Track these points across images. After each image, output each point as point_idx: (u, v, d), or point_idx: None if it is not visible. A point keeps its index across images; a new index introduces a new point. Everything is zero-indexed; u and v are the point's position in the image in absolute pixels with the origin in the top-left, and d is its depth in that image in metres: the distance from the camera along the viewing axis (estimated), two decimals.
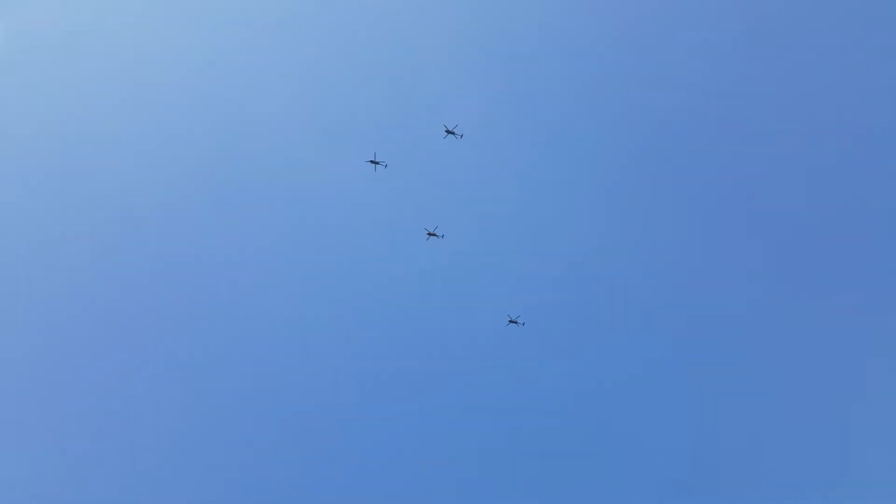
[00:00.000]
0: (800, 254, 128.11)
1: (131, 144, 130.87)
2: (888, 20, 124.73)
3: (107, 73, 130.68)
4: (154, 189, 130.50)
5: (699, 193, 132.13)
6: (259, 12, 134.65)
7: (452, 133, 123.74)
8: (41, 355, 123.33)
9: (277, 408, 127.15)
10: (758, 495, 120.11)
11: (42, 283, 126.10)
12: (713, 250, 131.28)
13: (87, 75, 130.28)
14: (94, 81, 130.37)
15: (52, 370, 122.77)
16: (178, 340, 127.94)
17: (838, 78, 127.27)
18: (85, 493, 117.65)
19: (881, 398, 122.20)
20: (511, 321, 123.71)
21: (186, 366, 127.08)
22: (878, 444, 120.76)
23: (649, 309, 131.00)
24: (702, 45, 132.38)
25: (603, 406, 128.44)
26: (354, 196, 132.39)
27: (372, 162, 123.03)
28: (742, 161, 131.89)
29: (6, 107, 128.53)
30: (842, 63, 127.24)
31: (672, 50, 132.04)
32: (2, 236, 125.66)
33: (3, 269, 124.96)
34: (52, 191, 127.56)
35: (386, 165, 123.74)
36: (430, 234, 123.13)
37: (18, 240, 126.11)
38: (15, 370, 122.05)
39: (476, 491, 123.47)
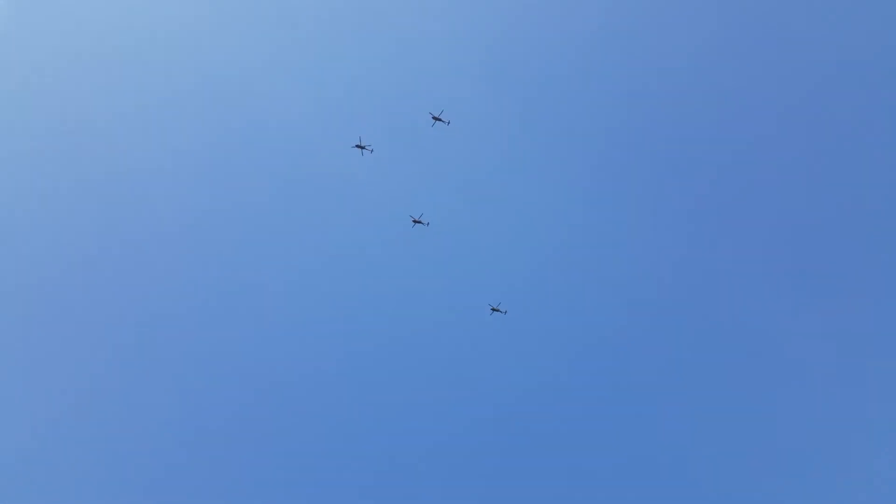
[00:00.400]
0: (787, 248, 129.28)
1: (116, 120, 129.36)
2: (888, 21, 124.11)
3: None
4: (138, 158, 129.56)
5: (683, 187, 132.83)
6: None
7: (440, 119, 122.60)
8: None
9: (255, 393, 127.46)
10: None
11: None
12: (701, 244, 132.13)
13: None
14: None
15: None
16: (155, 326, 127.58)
17: (835, 79, 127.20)
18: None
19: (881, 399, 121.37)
20: (494, 309, 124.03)
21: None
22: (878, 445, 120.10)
23: (634, 300, 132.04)
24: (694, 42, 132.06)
25: (584, 395, 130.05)
26: (339, 180, 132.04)
27: (358, 146, 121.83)
28: (728, 152, 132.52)
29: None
30: (840, 63, 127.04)
31: (661, 44, 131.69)
32: None
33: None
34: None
35: (372, 150, 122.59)
36: (415, 221, 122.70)
37: None
38: None
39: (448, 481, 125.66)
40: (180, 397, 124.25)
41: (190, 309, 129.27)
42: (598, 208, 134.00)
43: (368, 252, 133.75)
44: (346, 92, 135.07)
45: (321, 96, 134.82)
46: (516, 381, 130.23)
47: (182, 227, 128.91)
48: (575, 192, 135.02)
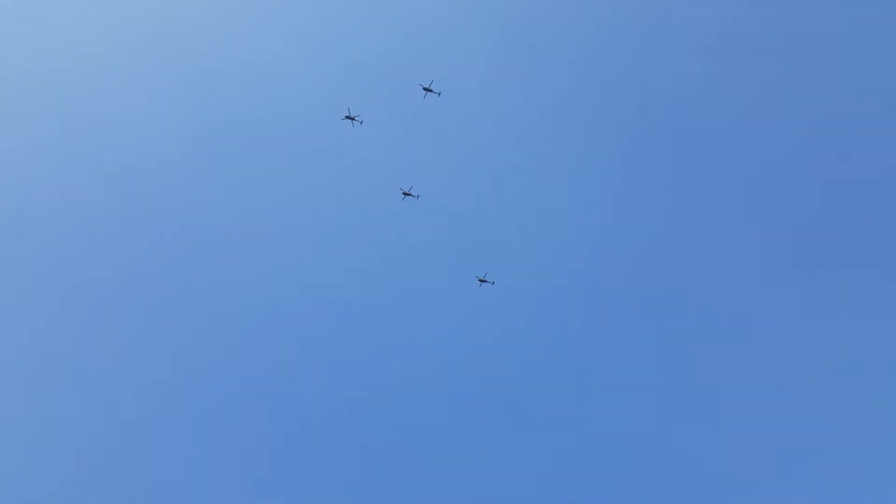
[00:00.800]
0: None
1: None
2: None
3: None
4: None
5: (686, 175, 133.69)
6: None
7: (430, 91, 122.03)
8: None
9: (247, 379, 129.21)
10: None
11: None
12: (701, 235, 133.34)
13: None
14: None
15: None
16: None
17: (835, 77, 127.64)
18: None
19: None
20: (481, 280, 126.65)
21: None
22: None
23: (632, 287, 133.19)
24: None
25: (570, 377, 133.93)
26: (329, 152, 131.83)
27: (347, 118, 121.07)
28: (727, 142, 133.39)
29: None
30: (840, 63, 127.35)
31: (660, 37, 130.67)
32: None
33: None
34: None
35: (361, 122, 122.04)
36: (405, 194, 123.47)
37: None
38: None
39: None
40: (167, 382, 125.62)
41: (175, 293, 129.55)
42: (594, 185, 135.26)
43: (357, 227, 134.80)
44: (335, 63, 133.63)
45: (309, 67, 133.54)
46: (510, 365, 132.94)
47: (164, 208, 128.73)
48: (573, 165, 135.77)
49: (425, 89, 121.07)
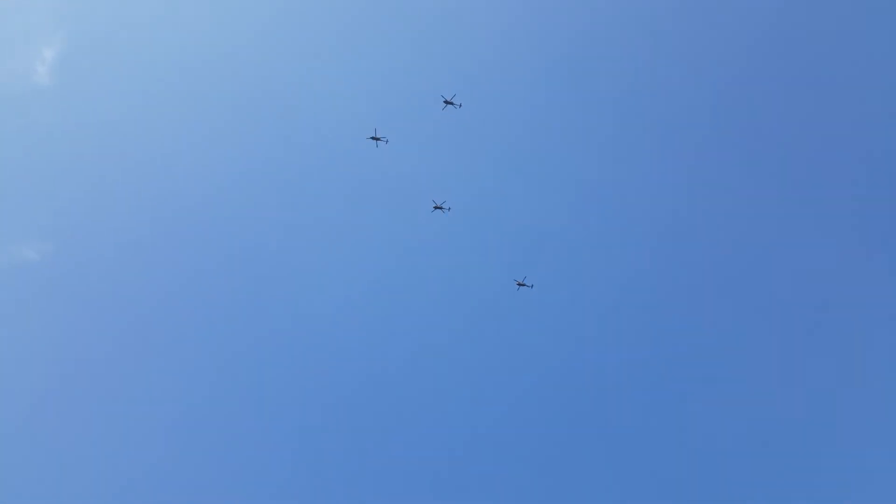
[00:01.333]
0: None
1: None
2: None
3: None
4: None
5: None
6: None
7: (451, 103, 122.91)
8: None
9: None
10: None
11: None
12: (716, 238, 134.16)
13: None
14: None
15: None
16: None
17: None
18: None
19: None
20: (520, 284, 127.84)
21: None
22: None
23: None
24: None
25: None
26: (358, 171, 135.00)
27: (373, 138, 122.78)
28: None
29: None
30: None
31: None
32: None
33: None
34: None
35: (387, 141, 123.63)
36: (436, 207, 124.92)
37: None
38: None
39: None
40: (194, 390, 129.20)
41: (221, 302, 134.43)
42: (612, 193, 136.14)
43: (389, 241, 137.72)
44: (357, 84, 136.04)
45: (333, 90, 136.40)
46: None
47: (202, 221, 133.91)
48: (594, 176, 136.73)
49: (446, 102, 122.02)
